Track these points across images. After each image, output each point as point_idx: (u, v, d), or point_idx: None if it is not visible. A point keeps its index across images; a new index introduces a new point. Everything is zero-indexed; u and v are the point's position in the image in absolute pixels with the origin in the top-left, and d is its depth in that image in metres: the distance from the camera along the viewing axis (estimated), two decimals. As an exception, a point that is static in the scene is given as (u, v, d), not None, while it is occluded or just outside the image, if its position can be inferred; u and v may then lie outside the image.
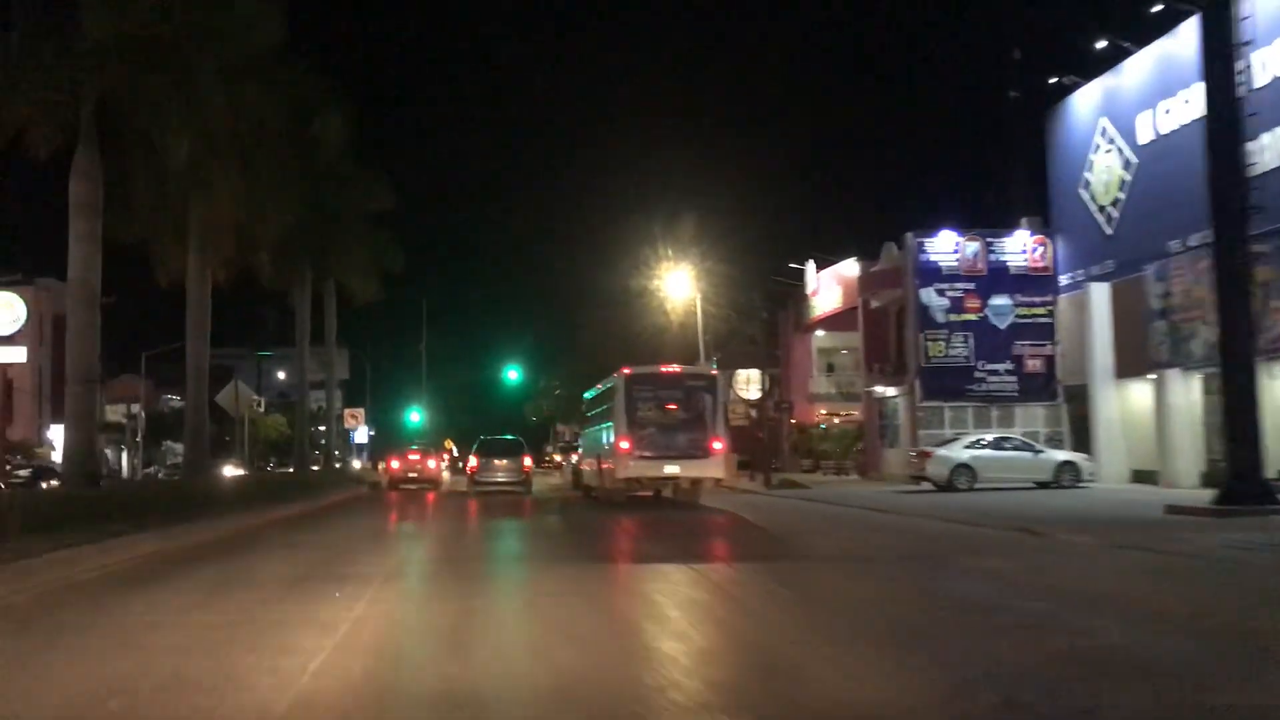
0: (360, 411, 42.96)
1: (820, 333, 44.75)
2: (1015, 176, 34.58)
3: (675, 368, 24.04)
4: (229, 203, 21.59)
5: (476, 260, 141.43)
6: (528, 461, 31.36)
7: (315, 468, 41.36)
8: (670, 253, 42.12)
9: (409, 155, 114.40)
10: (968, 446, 26.92)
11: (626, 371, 22.94)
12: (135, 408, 59.81)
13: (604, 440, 23.72)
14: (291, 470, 37.76)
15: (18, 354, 30.70)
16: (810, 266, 40.78)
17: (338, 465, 52.25)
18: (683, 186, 78.93)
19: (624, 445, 21.87)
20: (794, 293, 43.36)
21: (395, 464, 36.58)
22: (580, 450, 29.35)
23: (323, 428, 77.18)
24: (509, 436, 38.12)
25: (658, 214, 47.92)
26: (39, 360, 59.40)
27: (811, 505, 23.72)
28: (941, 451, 27.07)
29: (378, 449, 67.89)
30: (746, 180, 73.59)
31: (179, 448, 75.80)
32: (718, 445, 22.24)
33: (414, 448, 39.12)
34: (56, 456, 61.67)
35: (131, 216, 21.54)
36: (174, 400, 76.57)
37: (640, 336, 55.85)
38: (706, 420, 22.20)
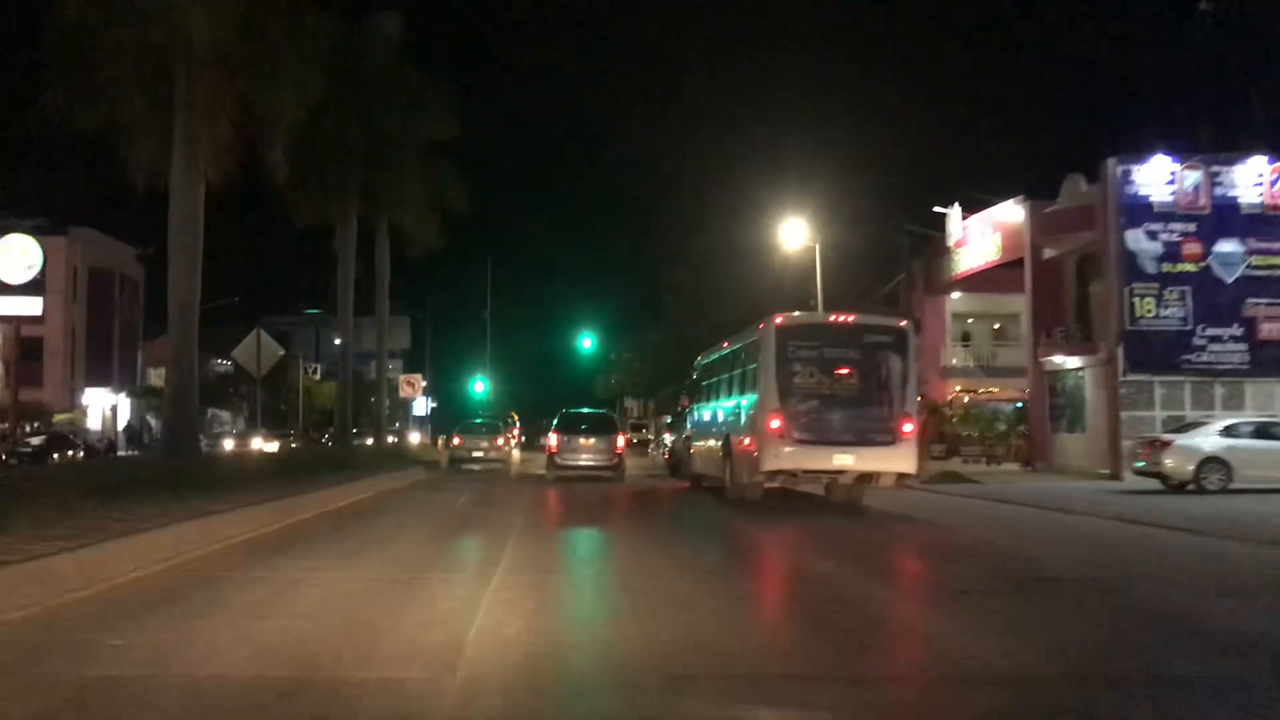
0: (417, 378, 37.01)
1: (955, 295, 37.70)
2: (1245, 93, 27.15)
3: (848, 317, 17.08)
4: (223, 68, 15.29)
5: (549, 211, 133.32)
6: (620, 441, 25.23)
7: (369, 441, 35.64)
8: (783, 201, 35.44)
9: (475, 84, 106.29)
10: (1222, 433, 19.99)
11: (779, 321, 16.25)
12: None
13: (736, 418, 17.21)
14: (331, 445, 31.68)
15: (32, 306, 25.54)
16: (954, 211, 33.67)
17: (392, 440, 46.62)
18: (800, 120, 70.42)
19: (773, 424, 15.27)
20: (927, 247, 36.37)
21: (457, 440, 30.56)
22: (689, 429, 22.81)
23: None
24: (597, 410, 31.98)
25: (769, 154, 41.53)
26: (72, 319, 54.57)
27: (1013, 510, 17.05)
28: (1185, 440, 20.14)
29: (440, 422, 62.38)
30: (874, 114, 65.29)
31: (225, 415, 71.21)
32: (908, 427, 15.57)
33: (479, 421, 32.58)
34: (93, 423, 57.22)
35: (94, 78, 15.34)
36: (221, 364, 71.82)
37: (741, 300, 49.35)
38: (893, 391, 15.54)
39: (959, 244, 33.77)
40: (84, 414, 51.33)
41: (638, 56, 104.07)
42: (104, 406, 54.03)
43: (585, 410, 29.55)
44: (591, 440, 24.10)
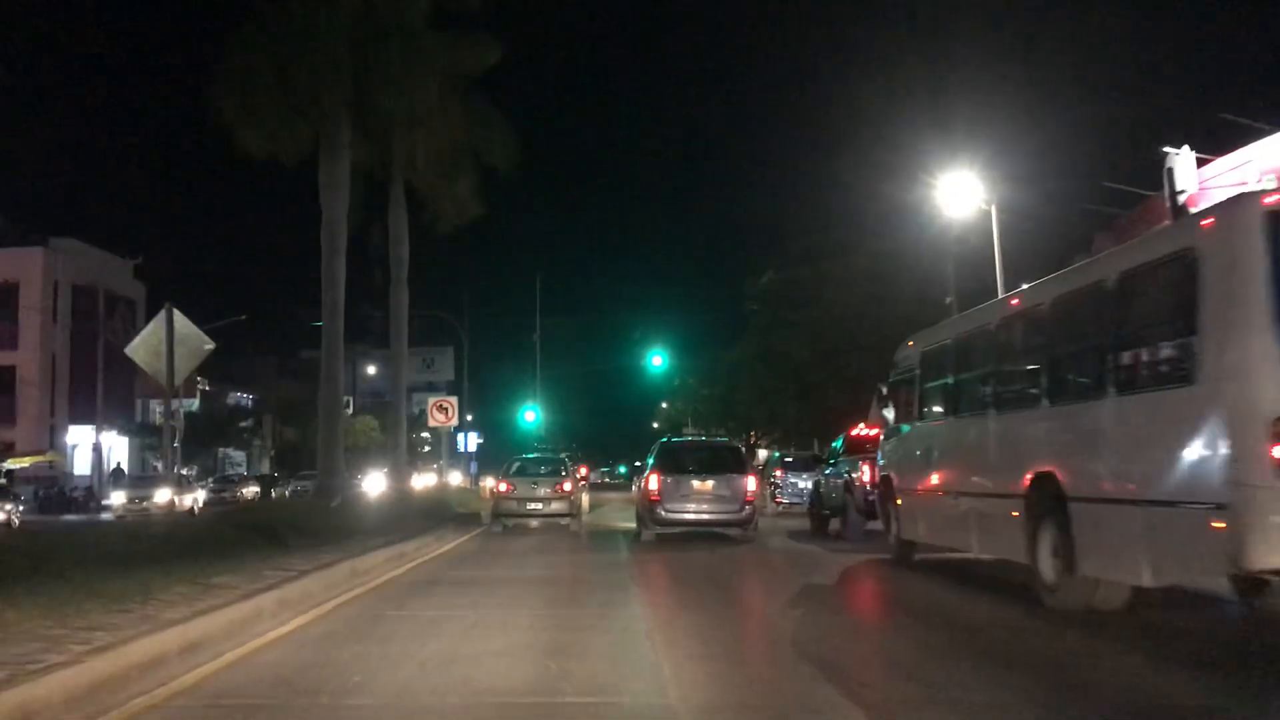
0: (451, 402, 28.13)
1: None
2: None
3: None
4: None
5: (604, 217, 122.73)
6: (751, 484, 17.21)
7: (401, 485, 27.06)
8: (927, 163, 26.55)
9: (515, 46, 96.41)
10: None
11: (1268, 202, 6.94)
12: (176, 402, 46.26)
13: (1112, 432, 7.95)
14: (314, 495, 22.67)
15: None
16: (1182, 156, 24.30)
17: (421, 483, 37.96)
18: (954, 52, 58.18)
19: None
20: (1133, 207, 27.08)
21: (504, 485, 21.16)
22: (891, 461, 13.59)
23: (425, 434, 64.52)
24: (716, 440, 25.63)
25: (919, 100, 32.83)
26: (53, 344, 46.56)
27: None
28: None
29: (485, 461, 53.96)
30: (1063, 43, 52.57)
31: (239, 456, 62.93)
32: None
33: (533, 458, 23.70)
34: (82, 467, 49.04)
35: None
36: (242, 396, 63.65)
37: (860, 300, 40.34)
38: None
39: (1189, 200, 24.35)
40: (63, 455, 43.02)
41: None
42: (95, 447, 45.81)
43: (700, 440, 24.00)
44: (710, 483, 17.01)
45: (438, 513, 22.50)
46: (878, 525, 14.98)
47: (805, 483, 29.18)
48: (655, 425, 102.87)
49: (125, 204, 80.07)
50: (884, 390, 14.21)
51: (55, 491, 40.96)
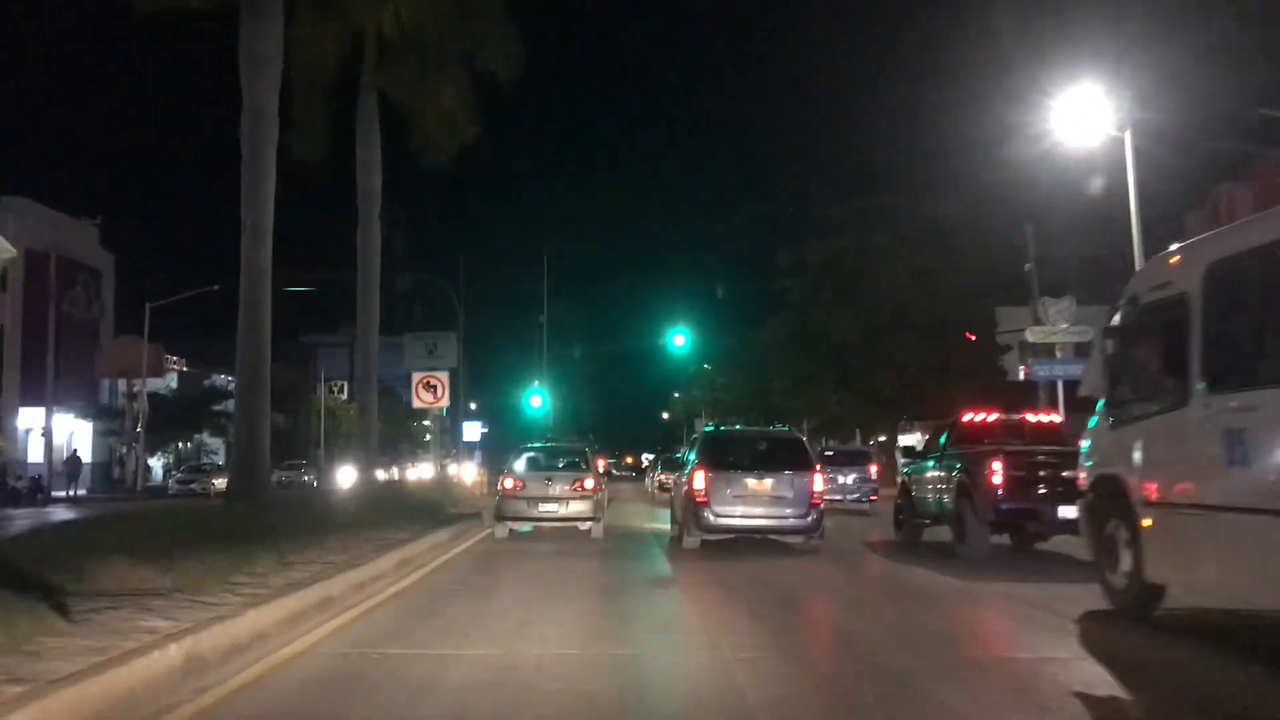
0: (442, 378, 22.98)
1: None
2: None
3: None
4: None
5: (617, 186, 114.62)
6: (818, 483, 14.17)
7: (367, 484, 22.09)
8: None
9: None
10: None
11: None
12: (137, 384, 41.24)
13: None
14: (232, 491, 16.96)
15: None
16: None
17: (416, 476, 33.11)
18: None
19: None
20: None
21: (511, 483, 16.42)
22: (1121, 458, 8.33)
23: (426, 421, 59.72)
24: (775, 430, 22.98)
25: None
26: (0, 315, 41.45)
27: None
28: None
29: (493, 453, 49.04)
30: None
31: (215, 443, 57.75)
32: None
33: (546, 447, 19.26)
34: (35, 454, 43.84)
35: None
36: (222, 378, 58.65)
37: (922, 268, 35.32)
38: None
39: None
40: (9, 441, 37.94)
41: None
42: (45, 432, 40.70)
43: (754, 431, 20.65)
44: (768, 482, 14.16)
45: (426, 511, 17.77)
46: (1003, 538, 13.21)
47: (847, 479, 26.94)
48: (665, 416, 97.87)
49: (89, 164, 73.50)
50: (1114, 341, 9.00)
51: (-5, 482, 35.94)
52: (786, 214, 47.82)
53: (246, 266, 14.97)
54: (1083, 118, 19.84)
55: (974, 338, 35.70)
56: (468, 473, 37.04)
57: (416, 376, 23.32)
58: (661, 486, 38.62)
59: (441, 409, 25.44)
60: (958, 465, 13.71)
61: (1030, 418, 15.13)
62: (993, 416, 14.76)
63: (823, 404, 39.52)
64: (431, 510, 18.60)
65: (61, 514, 25.42)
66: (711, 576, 11.70)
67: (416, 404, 23.65)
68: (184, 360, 54.71)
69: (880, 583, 12.07)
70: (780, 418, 48.61)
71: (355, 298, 19.65)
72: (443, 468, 33.99)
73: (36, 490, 36.72)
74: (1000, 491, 12.48)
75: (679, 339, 39.67)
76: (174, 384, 52.68)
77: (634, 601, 9.67)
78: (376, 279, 19.40)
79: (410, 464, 58.69)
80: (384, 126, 18.81)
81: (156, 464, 48.75)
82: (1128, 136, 19.44)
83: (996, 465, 12.58)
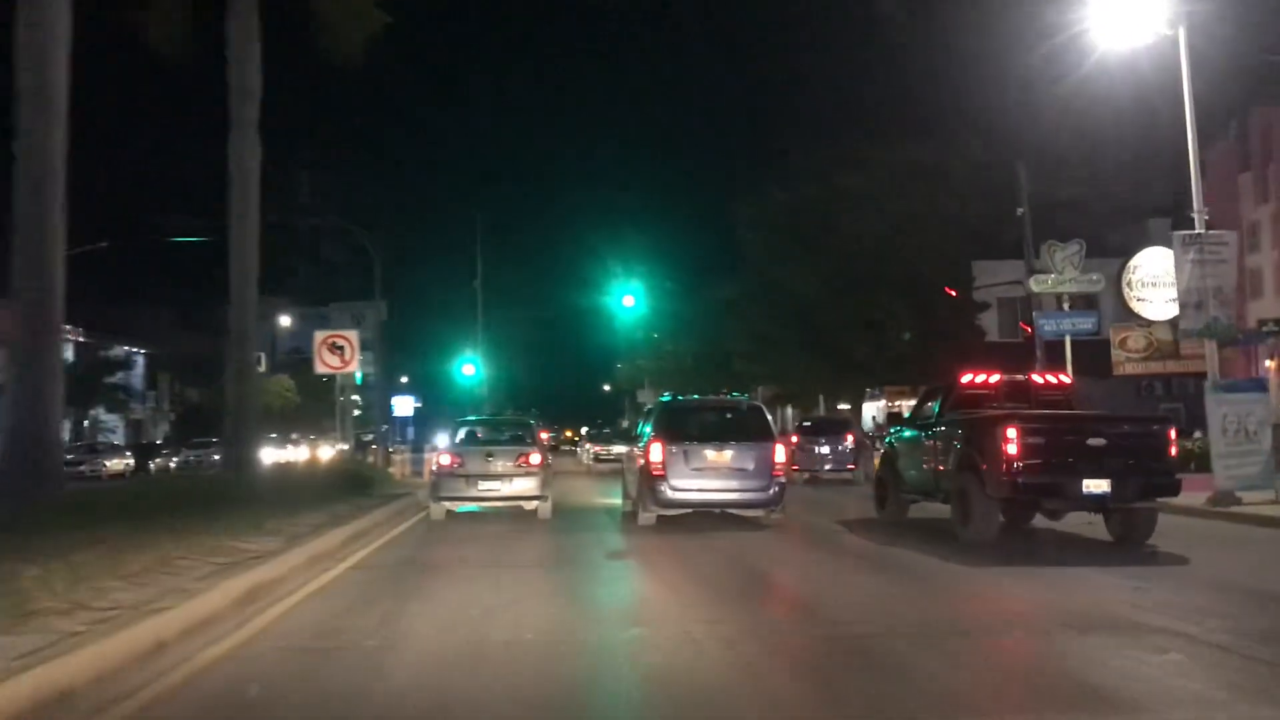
0: (350, 337, 18.94)
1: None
2: None
3: None
4: None
5: (555, 133, 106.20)
6: (779, 454, 13.98)
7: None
8: None
9: None
10: None
11: None
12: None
13: None
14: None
15: None
16: None
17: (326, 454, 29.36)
18: None
19: None
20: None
21: (449, 459, 15.44)
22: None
23: (356, 396, 55.92)
24: (735, 398, 24.62)
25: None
26: None
27: None
28: None
29: (423, 431, 44.95)
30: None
31: (111, 420, 52.83)
32: None
33: (487, 420, 19.77)
34: None
35: None
36: (127, 350, 53.79)
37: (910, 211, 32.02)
38: None
39: None
40: None
41: None
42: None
43: (710, 399, 21.48)
44: (728, 453, 13.90)
45: (322, 497, 14.10)
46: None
47: (824, 449, 25.97)
48: (607, 388, 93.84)
49: None
50: None
51: None
52: (746, 162, 44.64)
53: (23, 158, 10.90)
54: (1124, 14, 16.43)
55: (955, 293, 32.50)
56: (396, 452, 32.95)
57: (319, 337, 19.27)
58: (598, 458, 40.18)
59: (353, 375, 21.44)
60: (959, 433, 12.28)
61: (1037, 379, 14.01)
62: (995, 378, 13.48)
63: (786, 368, 35.98)
64: (330, 495, 14.84)
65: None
66: (673, 556, 11.10)
67: (320, 368, 19.57)
68: (80, 329, 49.80)
69: (870, 560, 11.08)
70: (737, 385, 45.14)
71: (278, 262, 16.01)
72: (361, 445, 30.10)
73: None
74: (1016, 463, 10.95)
75: (629, 300, 35.99)
76: (69, 354, 47.81)
77: (592, 587, 9.38)
78: (255, 204, 15.39)
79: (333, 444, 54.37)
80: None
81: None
82: (1181, 33, 16.03)
83: (1011, 432, 11.04)
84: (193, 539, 9.03)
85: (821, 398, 39.00)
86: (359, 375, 22.51)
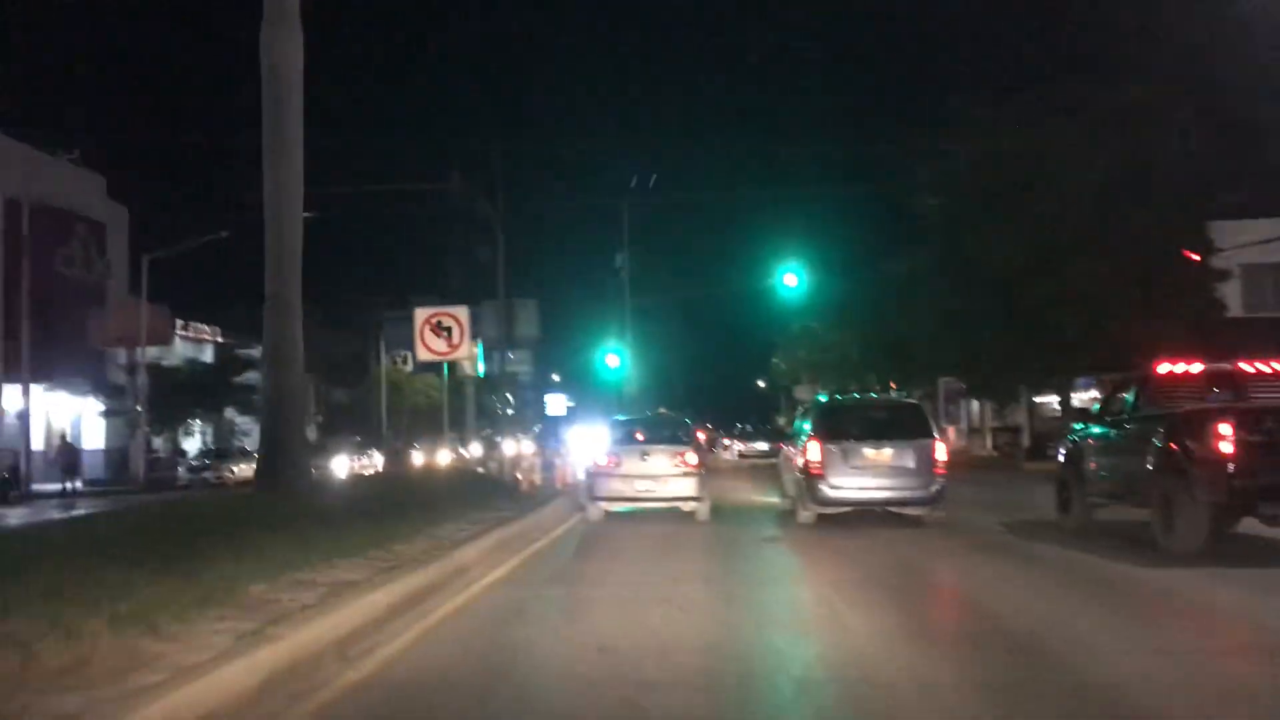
0: (458, 316, 14.97)
1: None
2: None
3: None
4: None
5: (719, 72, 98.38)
6: (941, 452, 13.71)
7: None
8: None
9: None
10: None
11: None
12: (140, 354, 34.42)
13: None
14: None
15: None
16: None
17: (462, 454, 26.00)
18: None
19: None
20: None
21: (609, 459, 15.41)
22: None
23: (508, 395, 53.74)
24: (894, 398, 23.87)
25: None
26: (-26, 276, 34.62)
27: None
28: None
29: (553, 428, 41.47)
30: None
31: (245, 423, 50.91)
32: None
33: (645, 419, 18.87)
34: (5, 441, 35.90)
35: None
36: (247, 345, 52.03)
37: None
38: None
39: None
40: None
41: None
42: (21, 415, 34.09)
43: (871, 399, 20.42)
44: (888, 452, 13.74)
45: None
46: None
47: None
48: (761, 384, 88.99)
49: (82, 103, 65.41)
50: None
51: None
52: (920, 121, 39.34)
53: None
54: None
55: (1199, 258, 26.97)
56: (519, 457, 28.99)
57: (420, 316, 15.56)
58: (741, 455, 46.03)
59: (468, 364, 17.80)
60: (1161, 430, 11.20)
61: (1247, 367, 11.88)
62: (1197, 367, 11.98)
63: (978, 354, 30.80)
64: (402, 515, 10.91)
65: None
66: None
67: (422, 355, 15.87)
68: (218, 330, 48.30)
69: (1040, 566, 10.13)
70: (912, 377, 40.15)
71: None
72: (491, 445, 26.66)
73: (10, 483, 30.11)
74: (1232, 464, 10.01)
75: (791, 278, 31.37)
76: (207, 356, 46.30)
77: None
78: (296, 112, 11.86)
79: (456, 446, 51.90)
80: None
81: (183, 448, 42.14)
82: None
83: (1225, 429, 10.11)
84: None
85: (1023, 388, 33.68)
86: (480, 363, 18.84)
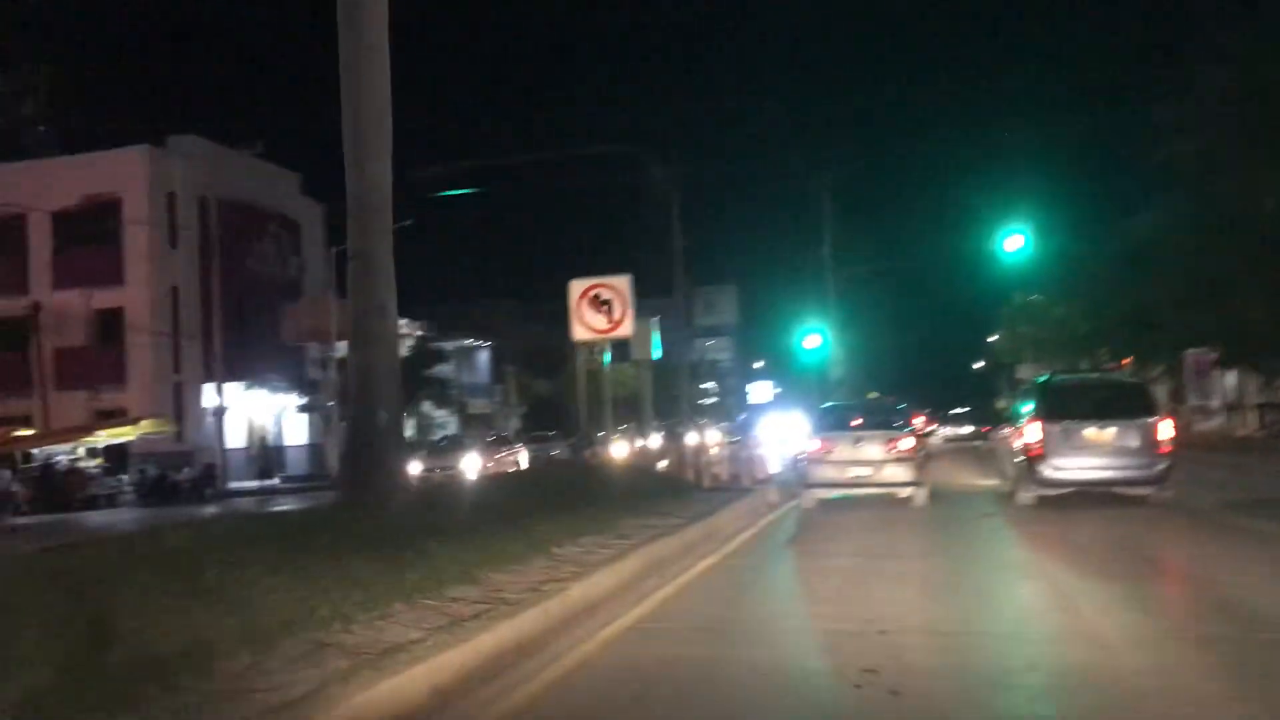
0: (619, 287, 12.95)
1: None
2: None
3: None
4: None
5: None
6: (1166, 430, 13.39)
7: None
8: None
9: None
10: None
11: None
12: (330, 349, 34.13)
13: None
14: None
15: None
16: None
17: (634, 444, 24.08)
18: None
19: None
20: None
21: (820, 444, 15.07)
22: None
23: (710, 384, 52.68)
24: (1113, 377, 19.38)
25: None
26: (171, 276, 35.37)
27: None
28: None
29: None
30: None
31: (440, 415, 50.63)
32: None
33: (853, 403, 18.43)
34: (206, 440, 31.75)
35: None
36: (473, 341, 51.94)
37: None
38: None
39: None
40: (171, 425, 31.53)
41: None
42: (216, 412, 34.31)
43: (1092, 377, 18.09)
44: (1111, 431, 13.42)
45: None
46: None
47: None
48: (978, 365, 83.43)
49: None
50: None
51: (153, 476, 29.62)
52: (1158, 56, 34.57)
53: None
54: None
55: None
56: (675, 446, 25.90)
57: (575, 289, 13.41)
58: (946, 439, 46.77)
59: (644, 345, 15.65)
60: None
61: None
62: None
63: (1243, 319, 26.28)
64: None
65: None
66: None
67: (578, 334, 13.72)
68: (419, 322, 48.20)
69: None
70: (1156, 348, 35.43)
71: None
72: (674, 436, 24.52)
73: (205, 483, 30.18)
74: None
75: (1014, 241, 27.57)
76: (404, 350, 46.16)
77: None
78: (382, 13, 9.41)
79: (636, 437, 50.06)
80: None
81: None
82: None
83: None
84: None
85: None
86: (656, 346, 16.70)
